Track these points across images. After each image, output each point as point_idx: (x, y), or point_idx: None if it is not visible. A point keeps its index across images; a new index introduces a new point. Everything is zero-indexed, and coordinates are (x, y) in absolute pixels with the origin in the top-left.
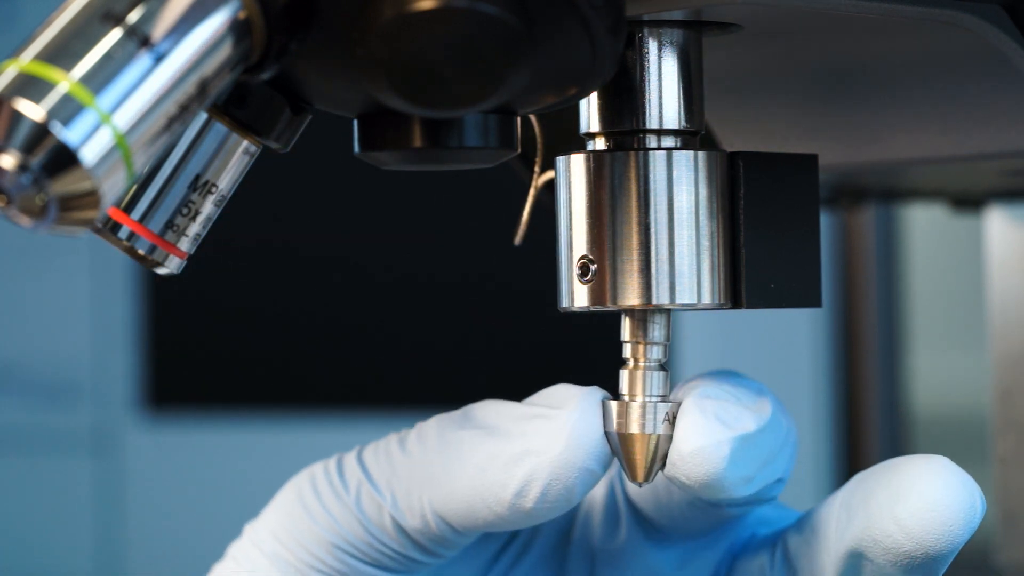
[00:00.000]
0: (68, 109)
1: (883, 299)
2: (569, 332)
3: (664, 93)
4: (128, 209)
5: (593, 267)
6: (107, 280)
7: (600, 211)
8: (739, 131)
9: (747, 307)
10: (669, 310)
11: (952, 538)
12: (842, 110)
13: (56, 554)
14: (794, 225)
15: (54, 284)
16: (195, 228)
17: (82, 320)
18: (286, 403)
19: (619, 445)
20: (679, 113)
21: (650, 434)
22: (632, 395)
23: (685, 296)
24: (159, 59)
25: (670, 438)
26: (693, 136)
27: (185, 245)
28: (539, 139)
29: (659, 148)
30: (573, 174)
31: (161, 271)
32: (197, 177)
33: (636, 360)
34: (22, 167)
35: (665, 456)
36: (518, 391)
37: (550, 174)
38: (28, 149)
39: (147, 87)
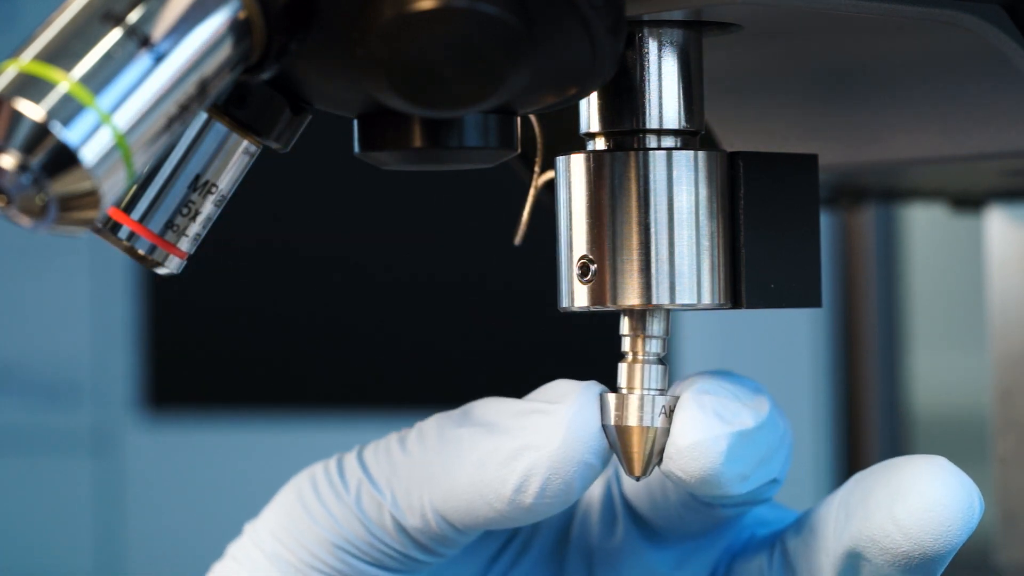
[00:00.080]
0: (68, 109)
1: (883, 299)
2: (569, 332)
3: (664, 93)
4: (128, 209)
5: (593, 267)
6: (107, 280)
7: (600, 211)
8: (739, 131)
9: (747, 307)
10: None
11: (950, 538)
12: (842, 110)
13: (56, 554)
14: (794, 225)
15: (54, 284)
16: (195, 228)
17: (82, 320)
18: (286, 403)
19: (616, 438)
20: (679, 113)
21: (647, 427)
22: (630, 388)
23: (685, 296)
24: (159, 59)
25: (667, 432)
26: (693, 136)
27: (185, 245)
28: (539, 139)
29: (659, 148)
30: (573, 174)
31: (161, 271)
32: (197, 177)
33: (635, 353)
34: (22, 167)
35: (662, 451)
36: (518, 391)
37: (550, 174)
38: (28, 149)
39: (147, 87)
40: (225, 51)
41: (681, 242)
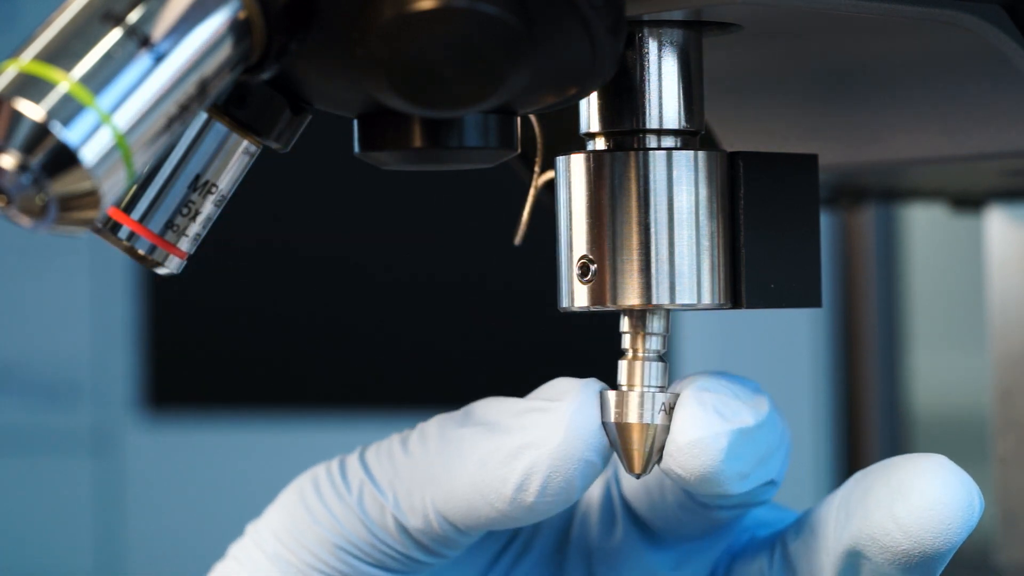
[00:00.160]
0: (68, 109)
1: (883, 299)
2: (569, 332)
3: (664, 93)
4: (128, 209)
5: (593, 267)
6: (107, 280)
7: (600, 211)
8: (739, 131)
9: (747, 307)
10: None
11: (950, 537)
12: (842, 110)
13: (56, 554)
14: (794, 225)
15: (54, 284)
16: (195, 228)
17: (82, 320)
18: (286, 403)
19: (617, 436)
20: (679, 113)
21: (648, 424)
22: (630, 385)
23: (685, 296)
24: (159, 59)
25: (667, 429)
26: (693, 136)
27: (185, 245)
28: (539, 139)
29: (659, 148)
30: (573, 174)
31: (161, 271)
32: (197, 177)
33: (635, 351)
34: (22, 167)
35: (662, 448)
36: (518, 391)
37: (550, 174)
38: (28, 149)
39: (147, 87)
40: (225, 51)
41: (681, 242)
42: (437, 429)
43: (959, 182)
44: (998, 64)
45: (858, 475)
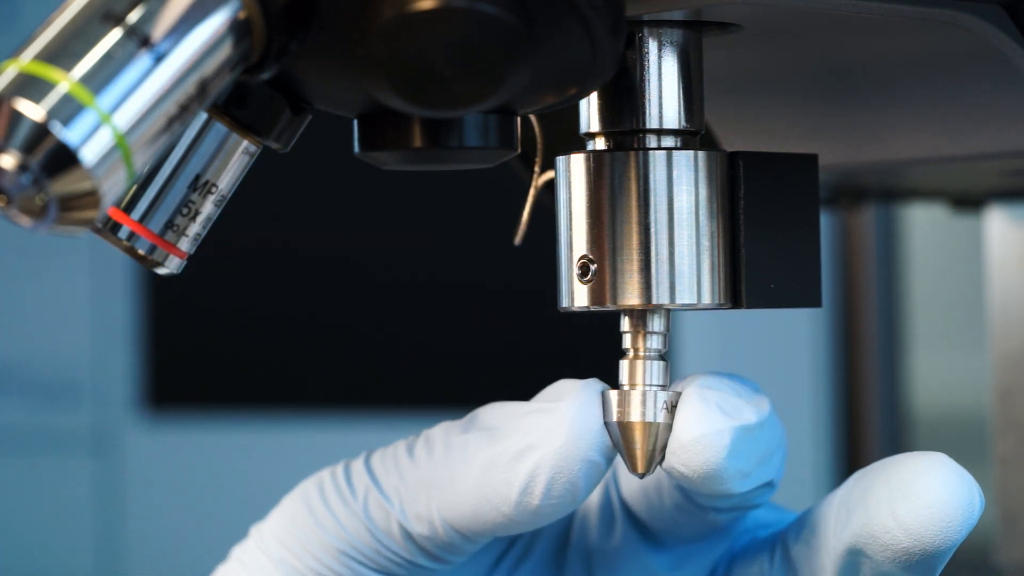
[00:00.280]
0: (68, 109)
1: (883, 299)
2: (569, 332)
3: (664, 93)
4: (128, 209)
5: (593, 267)
6: (107, 280)
7: (600, 211)
8: (739, 131)
9: (747, 307)
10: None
11: (951, 535)
12: (842, 110)
13: (56, 554)
14: (794, 225)
15: (54, 284)
16: (195, 228)
17: (82, 320)
18: (286, 403)
19: (619, 435)
20: (679, 113)
21: (650, 422)
22: (632, 384)
23: (685, 296)
24: (159, 59)
25: (670, 427)
26: (693, 136)
27: (185, 245)
28: (539, 139)
29: (659, 148)
30: (573, 174)
31: (161, 271)
32: (197, 177)
33: (636, 350)
34: (22, 167)
35: (665, 447)
36: (518, 391)
37: (550, 174)
38: (28, 149)
39: (147, 87)
40: (225, 51)
41: (681, 242)
42: (442, 436)
43: (959, 182)
44: (998, 64)
45: (858, 474)
